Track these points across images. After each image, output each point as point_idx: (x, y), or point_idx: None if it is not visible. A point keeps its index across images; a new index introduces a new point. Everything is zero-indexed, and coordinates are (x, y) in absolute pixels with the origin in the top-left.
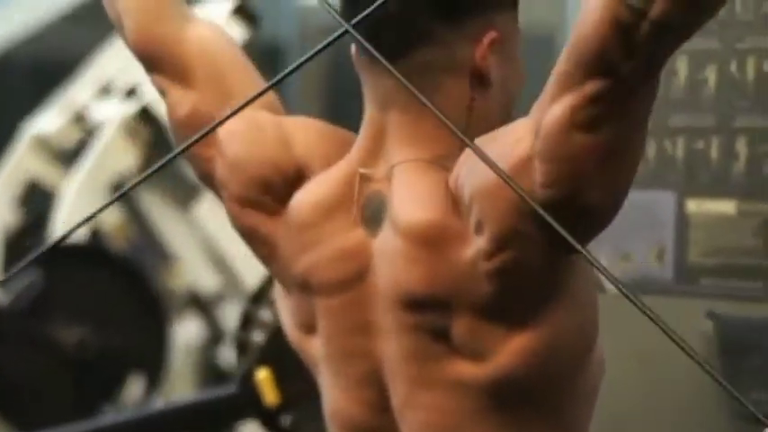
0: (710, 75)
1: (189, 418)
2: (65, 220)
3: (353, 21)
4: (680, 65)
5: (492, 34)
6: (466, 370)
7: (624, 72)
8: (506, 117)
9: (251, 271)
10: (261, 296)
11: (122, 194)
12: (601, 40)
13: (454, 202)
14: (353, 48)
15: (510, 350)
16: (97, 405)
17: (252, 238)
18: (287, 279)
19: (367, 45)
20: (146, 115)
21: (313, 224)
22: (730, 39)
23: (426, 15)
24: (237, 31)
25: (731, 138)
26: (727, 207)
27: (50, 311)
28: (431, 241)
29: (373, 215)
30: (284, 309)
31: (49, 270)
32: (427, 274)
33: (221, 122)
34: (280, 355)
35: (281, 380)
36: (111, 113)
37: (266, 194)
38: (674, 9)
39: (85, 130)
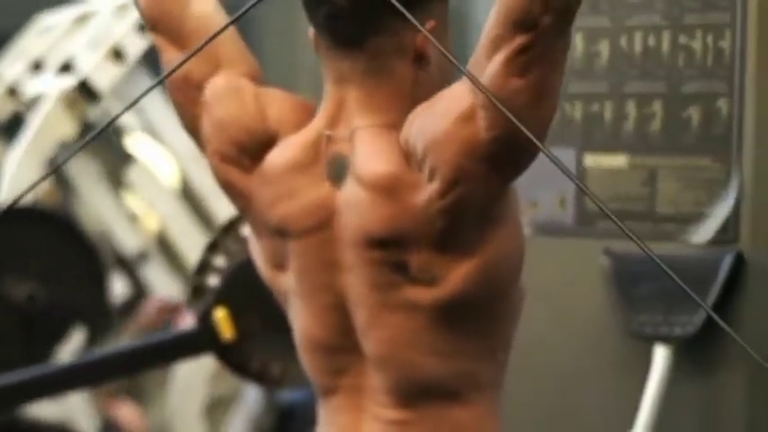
0: (603, 48)
1: (152, 354)
2: (8, 190)
3: None
4: (577, 40)
5: (431, 22)
6: (420, 294)
7: (544, 26)
8: (444, 89)
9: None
10: (215, 245)
11: (65, 160)
12: (522, 2)
13: (407, 158)
14: (311, 32)
15: (457, 276)
16: (42, 357)
17: (230, 190)
18: (261, 226)
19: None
20: (84, 88)
21: (285, 179)
22: (620, 17)
23: (378, 10)
24: None
25: (622, 101)
26: (619, 161)
27: (1, 269)
28: (390, 190)
29: (337, 171)
30: (256, 251)
31: None
32: (388, 217)
33: (175, 69)
34: (233, 296)
35: (235, 318)
36: (48, 87)
37: (242, 154)
38: None
39: (21, 103)
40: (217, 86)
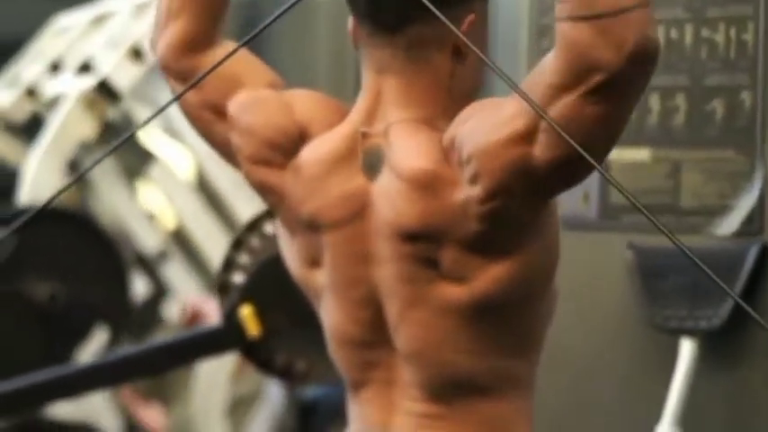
0: None
1: (177, 352)
2: (30, 191)
3: None
4: None
5: (471, 17)
6: (450, 292)
7: (619, 70)
8: (479, 84)
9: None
10: (239, 243)
11: (92, 166)
12: (589, 51)
13: (446, 155)
14: (351, 23)
15: (488, 277)
16: (64, 356)
17: (263, 189)
18: (294, 222)
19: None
20: (104, 88)
21: (320, 173)
22: None
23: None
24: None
25: (645, 95)
26: (642, 154)
27: (23, 268)
28: (427, 185)
29: (372, 164)
30: (289, 251)
31: (20, 231)
32: (423, 211)
33: (195, 83)
34: (259, 293)
35: (260, 315)
36: (67, 87)
37: (274, 152)
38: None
39: (40, 104)
40: (240, 99)
